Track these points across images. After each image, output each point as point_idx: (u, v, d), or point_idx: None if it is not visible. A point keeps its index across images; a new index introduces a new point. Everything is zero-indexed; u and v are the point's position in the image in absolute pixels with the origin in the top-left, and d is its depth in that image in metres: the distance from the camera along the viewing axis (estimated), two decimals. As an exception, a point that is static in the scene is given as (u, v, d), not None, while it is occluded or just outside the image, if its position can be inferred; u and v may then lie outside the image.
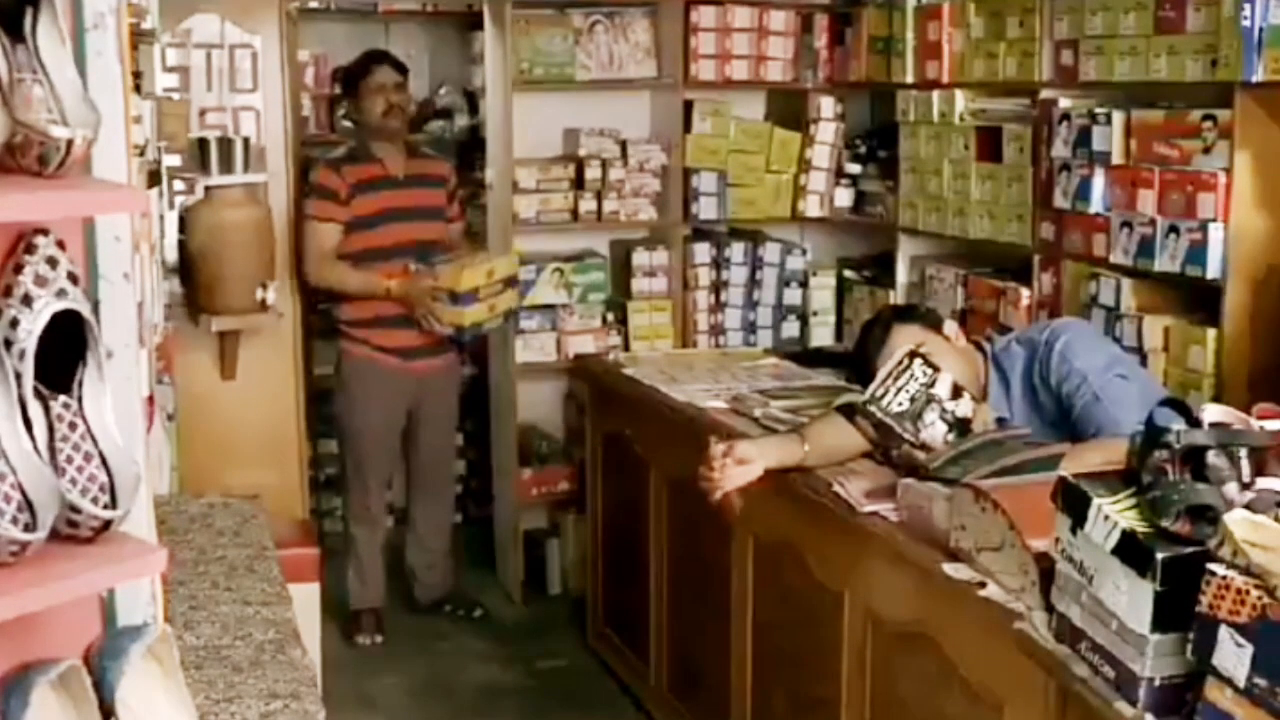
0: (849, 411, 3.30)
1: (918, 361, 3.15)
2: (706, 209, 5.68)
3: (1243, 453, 2.11)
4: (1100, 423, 3.09)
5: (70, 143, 1.44)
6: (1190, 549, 2.01)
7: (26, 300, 1.48)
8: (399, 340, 5.00)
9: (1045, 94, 4.34)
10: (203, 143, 3.87)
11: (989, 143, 4.63)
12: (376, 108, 5.01)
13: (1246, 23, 3.51)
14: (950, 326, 3.45)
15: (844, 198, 5.74)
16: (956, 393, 3.16)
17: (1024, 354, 3.31)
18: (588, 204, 5.59)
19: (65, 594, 1.47)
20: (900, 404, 3.13)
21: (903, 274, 5.27)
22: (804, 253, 5.84)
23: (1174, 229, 3.77)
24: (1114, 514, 2.13)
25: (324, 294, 5.11)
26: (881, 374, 3.18)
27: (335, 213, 4.91)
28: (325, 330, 6.17)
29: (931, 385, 3.13)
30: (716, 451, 3.32)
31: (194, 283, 4.06)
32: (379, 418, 5.05)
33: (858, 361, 3.54)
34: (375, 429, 5.07)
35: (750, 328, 5.75)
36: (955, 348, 3.37)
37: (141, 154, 2.71)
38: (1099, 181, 4.05)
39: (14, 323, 1.47)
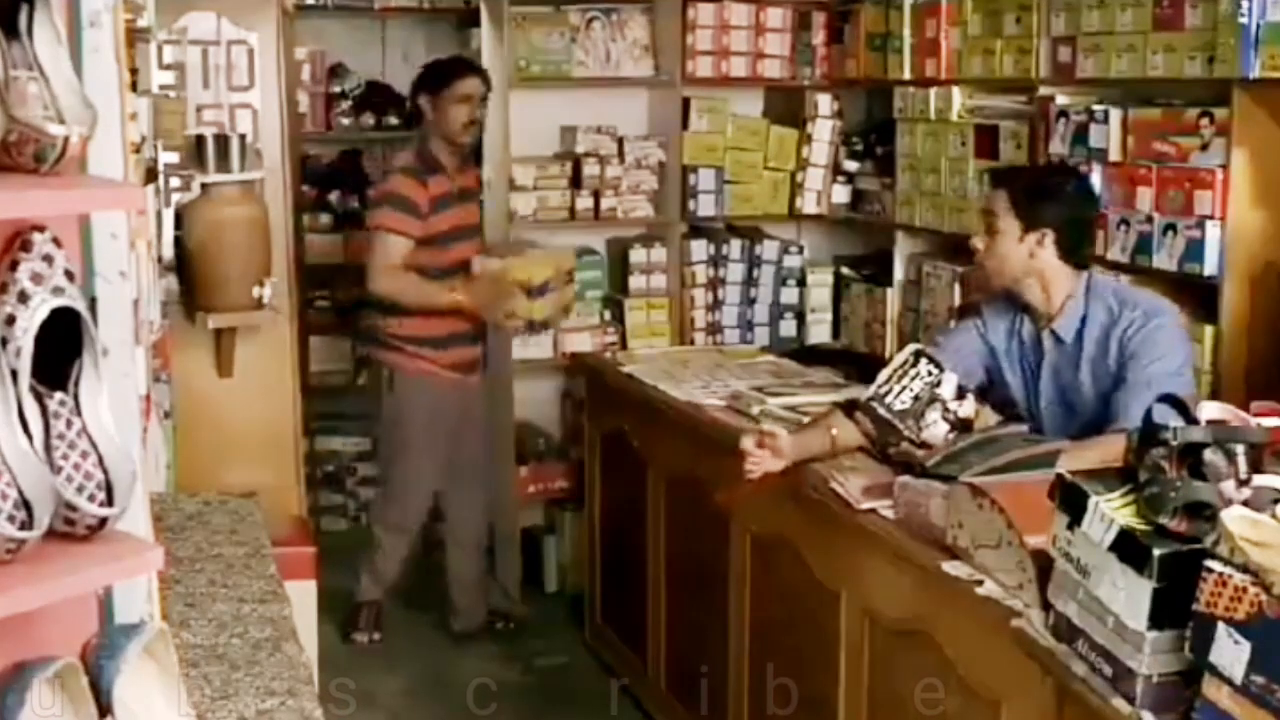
0: (850, 407, 3.30)
1: (923, 360, 3.15)
2: (704, 206, 5.68)
3: (1240, 450, 2.11)
4: (1129, 409, 3.07)
5: (66, 140, 1.43)
6: (1188, 546, 2.01)
7: (23, 297, 1.48)
8: (463, 357, 4.98)
9: (1042, 91, 4.34)
10: (199, 140, 3.86)
11: (986, 140, 4.63)
12: (459, 118, 4.86)
13: (1244, 20, 3.51)
14: (1039, 239, 3.34)
15: (841, 195, 5.74)
16: (960, 394, 3.16)
17: (1118, 309, 3.29)
18: (585, 201, 5.58)
19: (62, 592, 1.47)
20: (903, 402, 3.13)
21: (900, 271, 5.27)
22: (801, 250, 5.84)
23: (1171, 226, 3.77)
24: (1111, 511, 2.13)
25: (377, 306, 4.98)
26: (885, 372, 3.18)
27: (411, 227, 4.78)
28: (321, 327, 6.18)
29: (936, 385, 3.13)
30: (749, 444, 3.33)
31: (190, 280, 4.06)
32: (434, 434, 4.97)
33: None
34: (431, 445, 4.98)
35: (747, 325, 5.75)
36: (1018, 249, 3.34)
37: (138, 151, 2.71)
38: (1096, 179, 4.04)
39: (10, 320, 1.47)
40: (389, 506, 5.14)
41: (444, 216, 4.85)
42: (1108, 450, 2.85)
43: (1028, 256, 3.34)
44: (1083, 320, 3.33)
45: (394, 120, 6.38)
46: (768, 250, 5.77)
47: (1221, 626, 1.86)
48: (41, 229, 1.52)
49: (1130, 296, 3.37)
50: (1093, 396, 3.30)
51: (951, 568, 2.68)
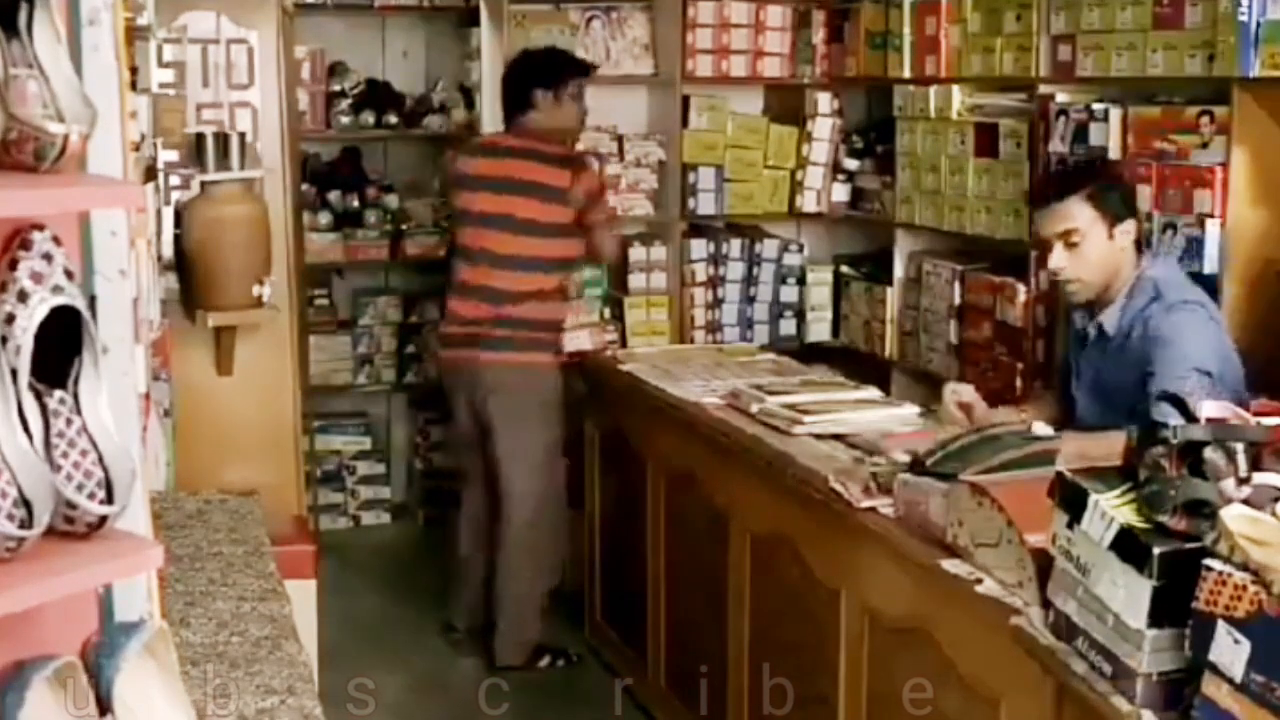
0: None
1: None
2: (704, 205, 5.68)
3: (1240, 448, 2.11)
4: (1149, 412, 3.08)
5: (66, 138, 1.43)
6: (1187, 544, 2.01)
7: (22, 296, 1.48)
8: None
9: (1042, 89, 4.34)
10: (199, 138, 3.86)
11: (986, 138, 4.63)
12: (578, 115, 4.98)
13: (1244, 18, 3.51)
14: (1127, 228, 3.40)
15: (841, 193, 5.74)
16: None
17: (1152, 298, 3.35)
18: (584, 199, 5.58)
19: (61, 590, 1.47)
20: None
21: (900, 269, 5.28)
22: (801, 249, 5.84)
23: (1171, 225, 3.77)
24: (1111, 509, 2.13)
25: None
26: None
27: None
28: (316, 325, 6.18)
29: None
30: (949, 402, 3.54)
31: (190, 278, 4.06)
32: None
33: (1036, 199, 3.62)
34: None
35: (747, 324, 5.75)
36: (1110, 246, 3.38)
37: (137, 150, 2.71)
38: (1096, 177, 4.05)
39: (10, 318, 1.47)
40: (545, 503, 4.92)
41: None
42: (1114, 444, 2.88)
43: (1119, 251, 3.39)
44: (1122, 310, 3.38)
45: (394, 119, 6.37)
46: (768, 248, 5.77)
47: (1221, 625, 1.86)
48: (41, 227, 1.52)
49: (1166, 285, 3.40)
50: (1125, 387, 3.32)
51: (951, 566, 2.68)
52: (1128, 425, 3.11)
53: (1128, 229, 3.41)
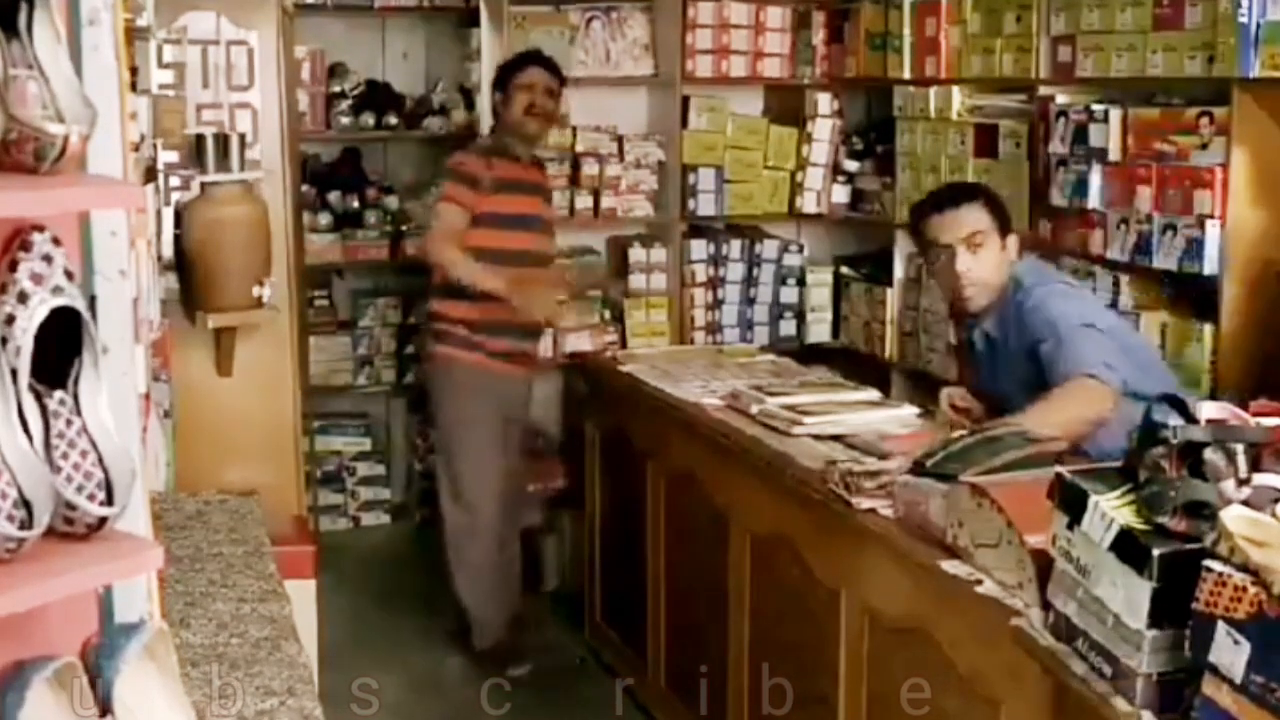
0: None
1: None
2: (704, 205, 5.68)
3: (1240, 449, 2.11)
4: (1059, 372, 3.23)
5: (66, 139, 1.43)
6: (1187, 545, 2.01)
7: (22, 297, 1.48)
8: (511, 348, 4.91)
9: (1042, 90, 4.34)
10: (199, 139, 3.86)
11: (986, 139, 4.64)
12: (519, 105, 4.86)
13: (1244, 19, 3.51)
14: (1013, 240, 3.52)
15: (841, 194, 5.74)
16: None
17: (1015, 296, 3.45)
18: (584, 200, 5.59)
19: (61, 591, 1.46)
20: None
21: (900, 270, 5.28)
22: (801, 249, 5.84)
23: (1171, 226, 3.77)
24: (1111, 511, 2.13)
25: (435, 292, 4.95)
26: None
27: (469, 199, 4.77)
28: (316, 326, 6.18)
29: None
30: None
31: (190, 279, 4.05)
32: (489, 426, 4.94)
33: (914, 214, 3.67)
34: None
35: (747, 324, 5.75)
36: (1002, 255, 3.48)
37: (137, 150, 2.71)
38: (1096, 178, 4.05)
39: (10, 319, 1.47)
40: (454, 509, 4.97)
41: (508, 199, 4.81)
42: (1069, 405, 3.13)
43: (1008, 262, 3.48)
44: (999, 313, 3.49)
45: (394, 119, 6.37)
46: (767, 249, 5.78)
47: (1221, 626, 1.86)
48: (41, 228, 1.52)
49: (1025, 274, 3.50)
50: (1016, 384, 3.42)
51: (951, 567, 2.68)
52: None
53: (1012, 243, 3.51)
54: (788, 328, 5.81)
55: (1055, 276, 3.59)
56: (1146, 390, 3.18)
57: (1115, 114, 4.02)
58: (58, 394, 1.51)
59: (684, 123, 5.63)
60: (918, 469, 2.95)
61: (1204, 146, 3.72)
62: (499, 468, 4.91)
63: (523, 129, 4.88)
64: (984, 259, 3.45)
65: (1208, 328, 3.73)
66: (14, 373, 1.46)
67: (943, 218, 3.49)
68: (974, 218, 3.46)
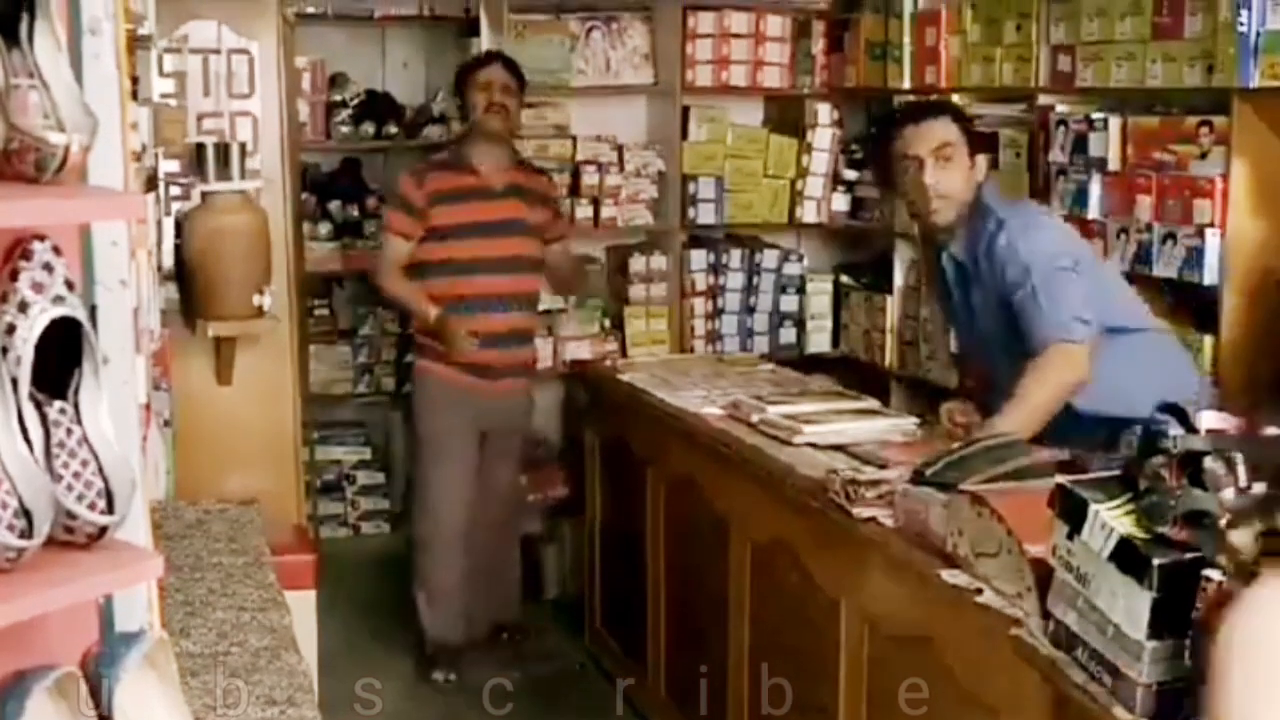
0: None
1: None
2: (704, 214, 5.68)
3: (1239, 458, 2.11)
4: (1035, 327, 3.27)
5: (67, 149, 1.43)
6: (1187, 555, 2.01)
7: (23, 307, 1.48)
8: (484, 359, 4.82)
9: (1042, 99, 4.35)
10: (200, 148, 3.86)
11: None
12: (478, 105, 4.82)
13: (1243, 29, 3.51)
14: (982, 160, 3.52)
15: (841, 203, 5.75)
16: None
17: (993, 222, 3.42)
18: (584, 210, 5.59)
19: (62, 600, 1.47)
20: None
21: (899, 279, 5.28)
22: (801, 258, 5.84)
23: (1171, 235, 3.77)
24: (1111, 520, 2.12)
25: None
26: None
27: (406, 226, 4.78)
28: (316, 335, 6.17)
29: None
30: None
31: (190, 288, 4.06)
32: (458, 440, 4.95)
33: (880, 127, 3.64)
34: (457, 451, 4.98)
35: (747, 333, 5.75)
36: (970, 173, 3.47)
37: (138, 160, 2.71)
38: (1095, 187, 4.05)
39: (10, 329, 1.47)
40: (419, 519, 5.04)
41: (450, 210, 4.77)
42: (1043, 386, 3.20)
43: (975, 181, 3.47)
44: (966, 236, 3.47)
45: (394, 129, 6.38)
46: (767, 258, 5.78)
47: (1221, 635, 1.86)
48: (42, 238, 1.52)
49: (986, 203, 3.48)
50: (989, 315, 3.45)
51: (951, 576, 2.68)
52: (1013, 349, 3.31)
53: (981, 163, 3.51)
54: (788, 336, 5.82)
55: (1022, 204, 3.64)
56: (1120, 324, 3.37)
57: (1115, 123, 4.02)
58: (58, 403, 1.51)
59: (684, 132, 5.63)
60: (917, 478, 2.95)
61: (1204, 156, 3.73)
62: (466, 482, 4.91)
63: (484, 127, 4.84)
64: (951, 173, 3.43)
65: (1208, 338, 3.73)
66: (15, 382, 1.46)
67: (916, 129, 3.48)
68: (943, 130, 3.46)
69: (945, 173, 3.44)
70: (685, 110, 5.63)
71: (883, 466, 3.30)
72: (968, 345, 3.89)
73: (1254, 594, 1.42)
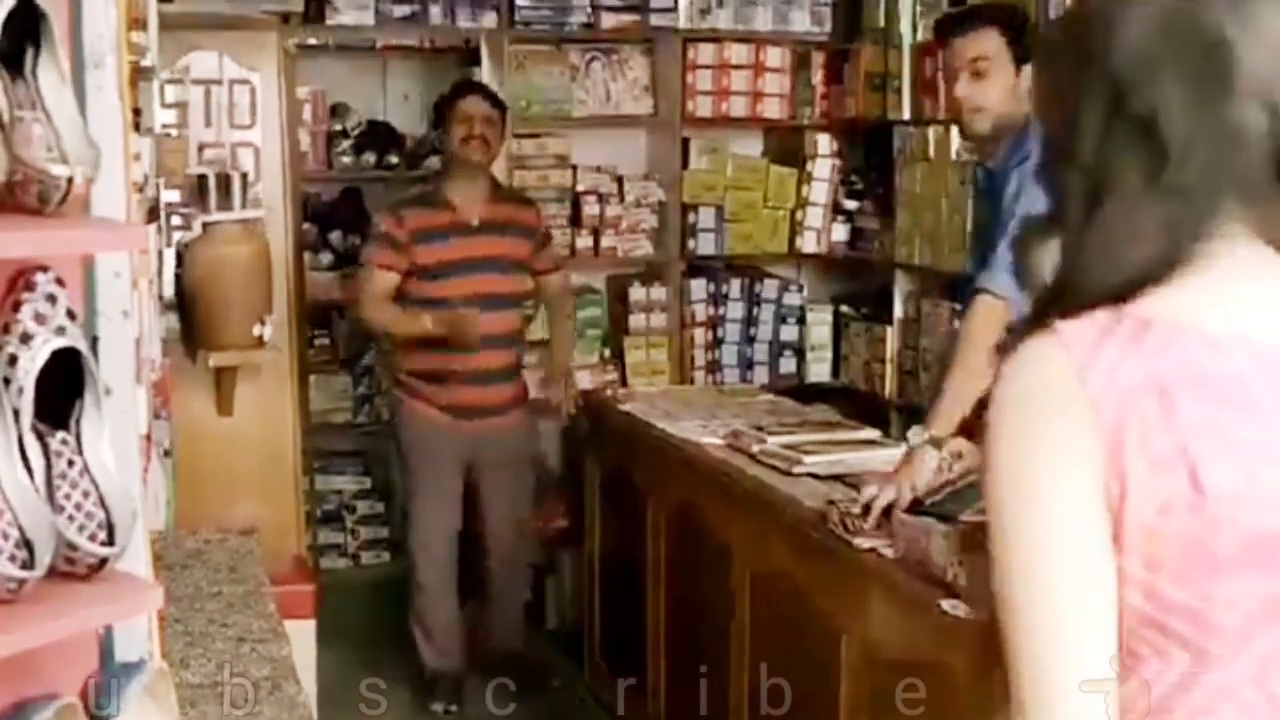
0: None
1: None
2: (704, 245, 5.70)
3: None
4: (982, 273, 3.18)
5: (70, 181, 1.44)
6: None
7: (25, 338, 1.48)
8: (464, 398, 4.82)
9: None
10: (201, 178, 3.88)
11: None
12: (456, 136, 4.79)
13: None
14: (1028, 72, 3.35)
15: (841, 233, 5.76)
16: None
17: (1025, 146, 3.23)
18: (585, 240, 5.60)
19: (62, 631, 1.46)
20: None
21: (899, 309, 5.29)
22: (801, 288, 5.85)
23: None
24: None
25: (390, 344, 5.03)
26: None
27: (392, 260, 4.76)
28: (317, 365, 6.19)
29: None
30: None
31: (191, 318, 4.07)
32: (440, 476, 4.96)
33: (937, 34, 3.63)
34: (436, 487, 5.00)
35: (747, 364, 5.76)
36: (1014, 84, 3.36)
37: (141, 191, 2.72)
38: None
39: (13, 360, 1.47)
40: (408, 552, 5.08)
41: (431, 250, 4.75)
42: (976, 352, 3.08)
43: (1022, 94, 3.33)
44: (1008, 148, 3.35)
45: (395, 159, 6.39)
46: (767, 288, 5.79)
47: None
48: (45, 268, 1.52)
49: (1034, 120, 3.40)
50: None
51: (951, 606, 2.67)
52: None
53: (1028, 74, 3.33)
54: (788, 366, 5.82)
55: None
56: None
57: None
58: (60, 434, 1.51)
59: (684, 163, 5.65)
60: (916, 507, 2.95)
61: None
62: (453, 515, 4.93)
63: (464, 160, 4.81)
64: (985, 87, 3.36)
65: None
66: (16, 413, 1.46)
67: (959, 40, 3.43)
68: (981, 44, 3.37)
69: (978, 86, 3.37)
70: (685, 141, 5.65)
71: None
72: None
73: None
